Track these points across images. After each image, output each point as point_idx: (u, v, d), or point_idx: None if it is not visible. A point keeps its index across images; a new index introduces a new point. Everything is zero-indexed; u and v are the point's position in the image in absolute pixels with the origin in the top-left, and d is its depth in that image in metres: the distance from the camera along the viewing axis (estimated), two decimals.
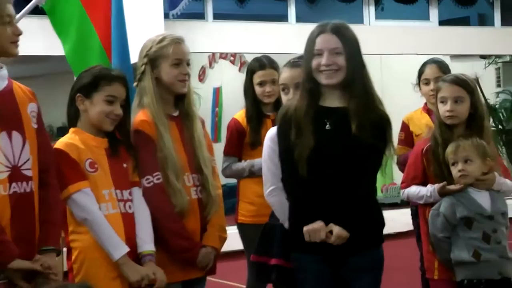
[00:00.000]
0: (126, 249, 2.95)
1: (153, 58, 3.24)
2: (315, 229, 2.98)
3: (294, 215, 3.13)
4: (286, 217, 3.20)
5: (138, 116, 3.21)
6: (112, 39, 3.78)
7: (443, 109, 3.54)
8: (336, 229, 2.96)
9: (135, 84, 3.32)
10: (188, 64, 3.29)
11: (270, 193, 3.29)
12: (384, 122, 3.07)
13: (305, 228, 2.99)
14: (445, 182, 3.44)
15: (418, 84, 4.61)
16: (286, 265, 3.23)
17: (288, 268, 3.21)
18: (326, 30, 3.05)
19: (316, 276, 3.07)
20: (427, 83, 4.53)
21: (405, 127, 4.62)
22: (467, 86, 3.57)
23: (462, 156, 3.44)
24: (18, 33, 2.80)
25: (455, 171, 3.45)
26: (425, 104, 4.61)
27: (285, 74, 3.39)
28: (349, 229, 2.97)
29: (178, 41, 3.26)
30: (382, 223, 3.17)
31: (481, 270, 3.39)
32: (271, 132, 3.33)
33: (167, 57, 3.22)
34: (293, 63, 3.37)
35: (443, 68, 4.50)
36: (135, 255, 3.02)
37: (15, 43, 2.80)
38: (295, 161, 3.02)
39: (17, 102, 2.80)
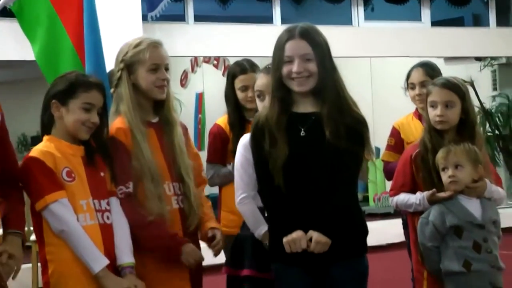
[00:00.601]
0: (106, 261, 2.98)
1: (129, 64, 3.26)
2: (294, 239, 3.03)
3: (272, 226, 3.19)
4: (257, 226, 3.31)
5: (115, 124, 3.23)
6: (85, 43, 3.79)
7: (433, 113, 3.59)
8: (315, 235, 3.01)
9: (112, 90, 3.34)
10: (166, 69, 3.31)
11: (241, 201, 3.39)
12: (359, 125, 3.12)
13: (284, 239, 3.04)
14: (434, 190, 3.49)
15: (407, 88, 4.67)
16: (258, 276, 3.31)
17: (261, 279, 3.30)
18: (294, 36, 3.09)
19: (297, 287, 3.12)
20: (413, 88, 4.58)
21: (395, 133, 4.66)
22: (458, 90, 3.61)
23: (453, 161, 3.49)
24: None
25: (445, 176, 3.50)
26: (416, 109, 4.66)
27: (262, 81, 3.47)
28: (329, 237, 3.02)
29: (155, 45, 3.29)
30: (365, 231, 3.21)
31: (472, 281, 3.44)
32: (244, 140, 3.42)
33: (144, 62, 3.25)
34: (269, 69, 3.41)
35: (430, 72, 4.54)
36: (113, 267, 3.04)
37: None
38: (270, 171, 3.08)
39: None
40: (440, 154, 3.50)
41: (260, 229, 3.33)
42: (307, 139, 3.10)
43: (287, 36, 3.11)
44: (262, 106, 3.42)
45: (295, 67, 3.08)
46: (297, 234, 3.03)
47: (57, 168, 3.00)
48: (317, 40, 3.11)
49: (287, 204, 3.08)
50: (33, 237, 5.66)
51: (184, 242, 3.22)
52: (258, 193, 3.26)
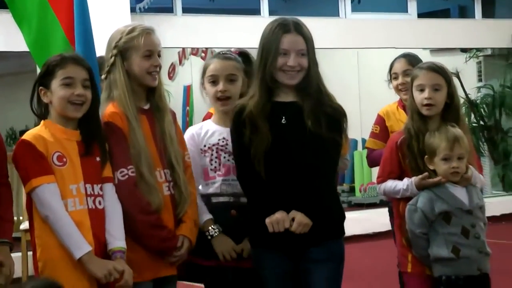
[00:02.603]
0: (88, 248, 2.95)
1: (123, 50, 3.24)
2: (278, 219, 3.07)
3: (253, 212, 3.22)
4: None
5: (108, 108, 3.20)
6: (75, 31, 3.78)
7: (421, 97, 3.55)
8: (298, 216, 3.06)
9: (103, 76, 3.30)
10: (159, 55, 3.30)
11: None
12: (339, 114, 3.17)
13: (267, 220, 3.08)
14: (426, 174, 3.48)
15: (390, 79, 4.69)
16: (197, 262, 3.38)
17: (199, 265, 3.38)
18: (291, 30, 3.13)
19: (277, 271, 3.18)
20: (396, 78, 4.61)
21: (380, 121, 4.66)
22: (445, 74, 3.60)
23: (458, 153, 3.48)
24: None
25: (446, 166, 3.48)
26: (400, 99, 4.66)
27: (216, 65, 3.49)
28: (310, 220, 3.07)
29: (148, 32, 3.27)
30: (342, 216, 3.27)
31: (460, 267, 3.46)
32: (189, 132, 3.51)
33: (138, 48, 3.23)
34: (224, 56, 3.50)
35: (412, 61, 4.54)
36: (103, 253, 3.03)
37: None
38: (251, 158, 3.12)
39: None
40: (443, 144, 3.48)
41: (201, 218, 3.38)
42: (288, 127, 3.15)
43: (283, 29, 3.14)
44: (215, 90, 3.45)
45: (291, 61, 3.12)
46: (280, 214, 3.07)
47: (48, 152, 2.97)
48: (309, 36, 3.17)
49: (267, 190, 3.12)
50: (22, 227, 5.68)
51: (177, 242, 3.23)
52: (237, 178, 3.28)
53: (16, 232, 5.75)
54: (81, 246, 2.95)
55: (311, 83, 3.15)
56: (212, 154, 3.45)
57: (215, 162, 3.45)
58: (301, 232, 3.06)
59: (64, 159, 3.00)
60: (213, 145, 3.46)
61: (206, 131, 3.50)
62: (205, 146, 3.47)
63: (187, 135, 3.52)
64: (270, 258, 3.18)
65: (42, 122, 3.08)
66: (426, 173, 3.49)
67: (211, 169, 3.44)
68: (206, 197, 3.44)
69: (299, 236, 3.08)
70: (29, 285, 2.33)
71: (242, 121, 3.16)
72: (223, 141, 3.45)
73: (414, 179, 3.52)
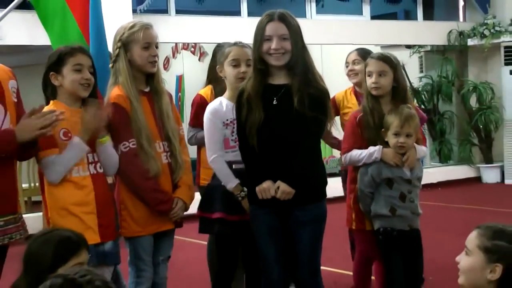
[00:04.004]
0: (76, 138, 2.97)
1: (125, 43, 3.24)
2: (264, 189, 3.09)
3: (249, 177, 3.23)
4: (227, 181, 3.34)
5: (114, 91, 3.22)
6: (90, 30, 3.80)
7: (370, 81, 3.62)
8: (282, 186, 3.07)
9: (110, 65, 3.31)
10: (156, 47, 3.30)
11: (212, 161, 3.41)
12: (322, 95, 3.13)
13: (257, 188, 3.10)
14: (395, 152, 3.54)
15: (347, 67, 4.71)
16: (227, 218, 3.36)
17: (229, 221, 3.35)
18: (274, 18, 3.11)
19: (268, 224, 3.19)
20: (347, 66, 4.63)
21: (333, 100, 4.60)
22: (391, 62, 3.64)
23: (406, 131, 3.53)
24: None
25: (395, 140, 3.54)
26: (353, 87, 4.67)
27: (238, 51, 3.49)
28: (294, 187, 3.07)
29: (147, 27, 3.28)
30: (324, 181, 3.26)
31: (395, 222, 3.55)
32: (211, 107, 3.47)
33: (138, 41, 3.23)
34: (242, 45, 3.51)
35: (361, 53, 4.55)
36: (105, 207, 3.03)
37: None
38: (246, 133, 3.11)
39: None
40: (395, 122, 3.52)
41: (231, 184, 3.36)
42: (278, 107, 3.12)
43: (268, 19, 3.12)
44: (237, 71, 3.45)
45: (273, 45, 3.09)
46: (266, 184, 3.09)
47: (56, 129, 2.95)
48: (292, 23, 3.13)
49: (259, 161, 3.12)
50: None
51: (173, 200, 3.25)
52: (239, 149, 3.28)
53: (37, 195, 5.71)
54: (79, 146, 2.97)
55: (297, 64, 3.09)
56: (233, 127, 3.40)
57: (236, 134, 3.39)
58: (285, 199, 3.08)
59: (69, 134, 3.00)
60: (234, 119, 3.38)
61: (226, 106, 3.46)
62: (227, 120, 3.43)
63: (209, 109, 3.48)
64: (262, 214, 3.18)
65: (51, 102, 3.08)
66: (396, 152, 3.53)
67: (231, 139, 3.42)
68: (228, 164, 3.41)
69: (285, 200, 3.09)
70: (42, 237, 2.29)
71: (242, 102, 3.15)
72: None
73: (384, 149, 3.55)
